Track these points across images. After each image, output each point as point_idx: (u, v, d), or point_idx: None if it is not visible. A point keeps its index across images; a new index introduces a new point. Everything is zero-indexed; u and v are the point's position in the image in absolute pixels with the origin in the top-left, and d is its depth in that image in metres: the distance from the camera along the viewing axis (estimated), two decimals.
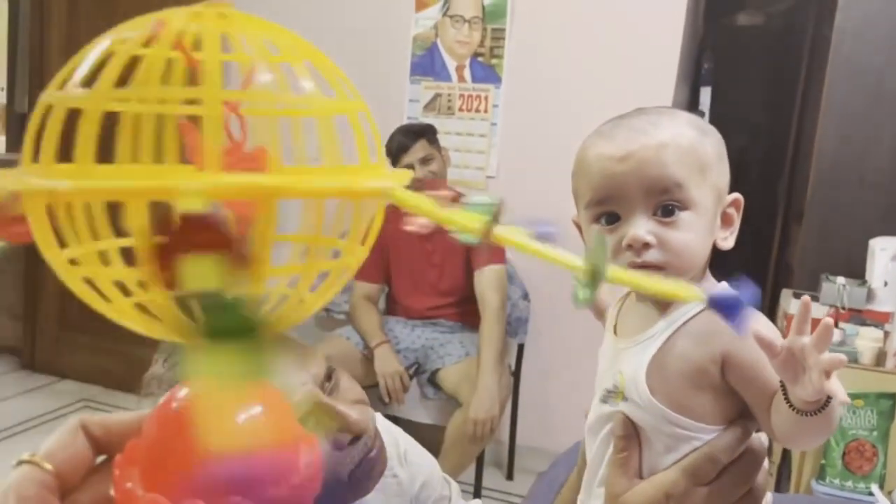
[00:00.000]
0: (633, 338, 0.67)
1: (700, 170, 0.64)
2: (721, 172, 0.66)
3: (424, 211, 0.30)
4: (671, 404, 0.63)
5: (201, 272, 0.26)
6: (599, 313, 0.80)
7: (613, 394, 0.67)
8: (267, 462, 0.32)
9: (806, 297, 0.56)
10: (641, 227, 0.63)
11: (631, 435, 0.66)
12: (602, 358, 0.72)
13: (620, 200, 0.64)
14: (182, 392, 0.33)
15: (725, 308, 0.32)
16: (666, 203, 0.63)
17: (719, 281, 0.68)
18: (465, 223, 0.30)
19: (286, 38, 0.32)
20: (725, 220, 0.68)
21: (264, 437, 0.32)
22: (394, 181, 0.31)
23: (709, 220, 0.65)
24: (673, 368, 0.63)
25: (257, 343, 0.27)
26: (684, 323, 0.64)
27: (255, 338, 0.27)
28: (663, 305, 0.66)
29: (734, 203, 0.68)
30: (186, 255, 0.26)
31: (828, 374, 0.54)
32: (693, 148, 0.64)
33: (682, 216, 0.63)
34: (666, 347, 0.64)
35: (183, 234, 0.26)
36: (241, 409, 0.31)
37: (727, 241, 0.68)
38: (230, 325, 0.27)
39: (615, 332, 0.71)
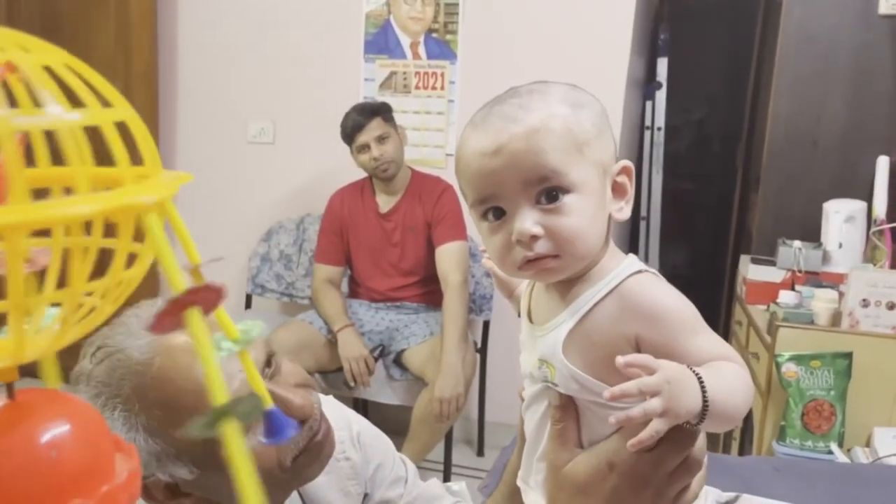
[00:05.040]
0: (545, 325, 0.66)
1: (577, 149, 0.61)
2: (603, 145, 0.63)
3: (183, 237, 0.33)
4: (600, 381, 0.62)
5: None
6: (509, 293, 0.79)
7: (549, 383, 0.66)
8: (70, 472, 0.31)
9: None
10: (527, 220, 0.61)
11: (567, 405, 0.65)
12: (522, 345, 0.71)
13: (501, 196, 0.62)
14: None
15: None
16: (547, 190, 0.61)
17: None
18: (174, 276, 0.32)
19: (35, 46, 0.30)
20: (618, 190, 0.65)
21: (68, 448, 0.31)
22: (162, 191, 0.30)
23: (596, 197, 0.63)
24: (591, 352, 0.62)
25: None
26: (591, 308, 0.63)
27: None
28: (564, 293, 0.65)
29: (624, 171, 0.65)
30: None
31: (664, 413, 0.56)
32: (567, 128, 0.61)
33: (567, 200, 0.61)
34: (578, 332, 0.63)
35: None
36: (44, 424, 0.31)
37: (622, 211, 0.65)
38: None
39: (530, 319, 0.70)
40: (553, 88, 0.64)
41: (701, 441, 0.64)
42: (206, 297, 0.31)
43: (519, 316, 0.74)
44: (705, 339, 0.62)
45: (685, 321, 0.61)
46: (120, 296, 0.32)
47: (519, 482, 0.74)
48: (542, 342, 0.65)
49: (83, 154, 0.29)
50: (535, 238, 0.61)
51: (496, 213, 0.63)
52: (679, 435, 0.61)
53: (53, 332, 0.30)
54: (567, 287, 0.65)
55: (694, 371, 0.57)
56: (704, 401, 0.56)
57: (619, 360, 0.56)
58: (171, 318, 0.30)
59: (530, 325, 0.69)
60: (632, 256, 0.66)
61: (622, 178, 0.65)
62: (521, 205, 0.61)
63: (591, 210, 0.62)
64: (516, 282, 0.76)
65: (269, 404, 0.37)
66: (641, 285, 0.63)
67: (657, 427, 0.56)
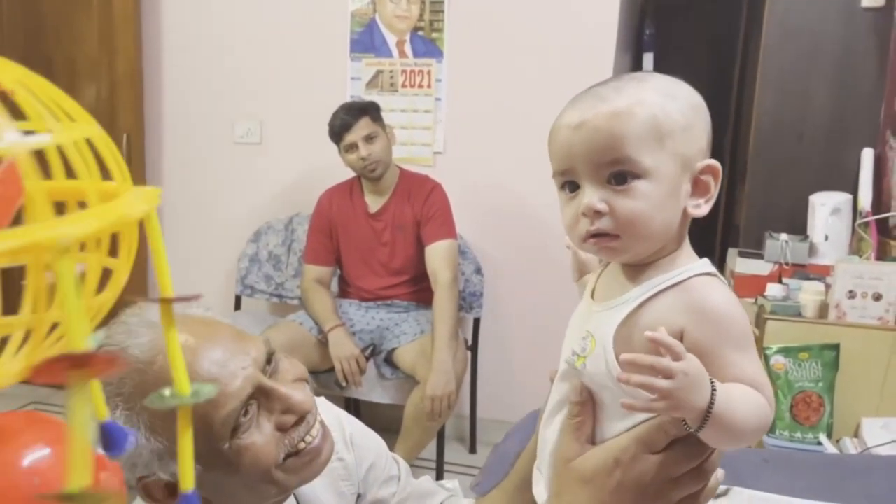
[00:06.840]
0: (607, 302, 0.67)
1: (657, 138, 0.62)
2: (688, 139, 0.64)
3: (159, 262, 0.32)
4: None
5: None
6: (579, 276, 0.79)
7: (579, 355, 0.67)
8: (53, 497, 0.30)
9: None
10: (595, 196, 0.63)
11: (586, 401, 0.66)
12: (573, 319, 0.72)
13: (576, 171, 0.64)
14: None
15: None
16: (618, 171, 0.63)
17: (701, 257, 0.68)
18: None
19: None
20: (699, 187, 0.66)
21: (50, 474, 0.31)
22: (146, 203, 0.30)
23: (669, 188, 0.63)
24: (638, 336, 0.63)
25: None
26: (657, 294, 0.64)
27: None
28: (633, 276, 0.66)
29: (708, 169, 0.66)
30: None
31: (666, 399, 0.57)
32: (651, 115, 0.62)
33: (636, 184, 0.62)
34: (635, 314, 0.64)
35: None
36: (25, 450, 0.31)
37: (700, 208, 0.66)
38: None
39: (592, 297, 0.71)
40: (652, 77, 0.66)
41: (716, 455, 0.65)
42: (100, 364, 0.28)
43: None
44: (746, 359, 0.62)
45: (734, 332, 0.62)
46: (95, 316, 0.31)
47: (535, 470, 0.75)
48: (598, 316, 0.67)
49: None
50: (598, 214, 0.63)
51: (571, 186, 0.66)
52: (690, 443, 0.61)
53: (23, 359, 0.29)
54: (638, 272, 0.66)
55: (711, 381, 0.58)
56: (708, 410, 0.57)
57: (649, 333, 0.58)
58: (56, 370, 0.28)
59: (591, 301, 0.70)
60: (706, 260, 0.68)
61: (706, 177, 0.66)
62: (593, 181, 0.63)
63: (660, 199, 0.63)
64: (590, 266, 0.78)
65: (103, 417, 0.35)
66: (705, 285, 0.64)
67: (655, 406, 0.57)
